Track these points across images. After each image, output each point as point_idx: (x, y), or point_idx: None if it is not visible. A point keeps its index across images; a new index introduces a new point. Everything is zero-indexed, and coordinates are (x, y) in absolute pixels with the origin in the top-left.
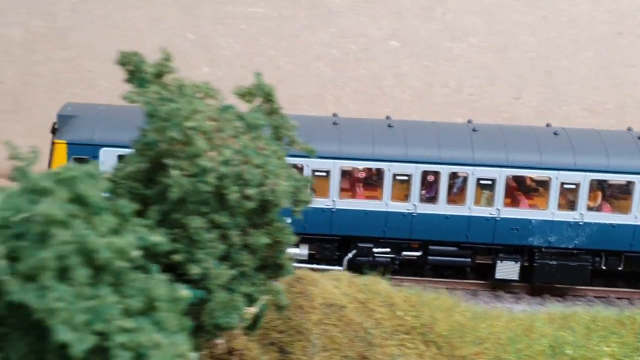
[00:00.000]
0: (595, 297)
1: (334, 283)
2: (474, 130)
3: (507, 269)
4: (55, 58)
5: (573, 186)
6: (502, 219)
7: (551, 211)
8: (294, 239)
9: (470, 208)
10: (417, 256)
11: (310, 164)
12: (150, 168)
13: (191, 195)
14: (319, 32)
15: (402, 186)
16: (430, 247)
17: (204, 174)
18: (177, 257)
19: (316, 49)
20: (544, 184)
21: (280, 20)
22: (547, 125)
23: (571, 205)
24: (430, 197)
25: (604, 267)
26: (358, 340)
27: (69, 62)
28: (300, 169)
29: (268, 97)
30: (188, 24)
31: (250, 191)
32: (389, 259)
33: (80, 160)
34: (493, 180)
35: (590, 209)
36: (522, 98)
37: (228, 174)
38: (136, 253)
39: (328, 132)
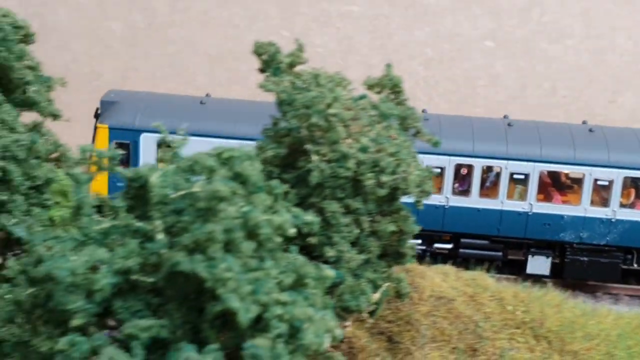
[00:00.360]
0: (627, 295)
1: (441, 276)
2: (509, 125)
3: (538, 264)
4: (154, 53)
5: (606, 183)
6: (534, 213)
7: (584, 207)
8: (418, 228)
9: (502, 202)
10: (449, 249)
11: None
12: (287, 154)
13: (329, 180)
14: (414, 31)
15: (436, 179)
16: (462, 239)
17: (344, 160)
18: (312, 240)
19: (410, 48)
20: (578, 180)
21: (376, 19)
22: (583, 122)
23: (604, 201)
24: (463, 190)
25: (635, 266)
26: (468, 333)
27: (166, 57)
28: None
29: (396, 89)
30: (284, 21)
31: (385, 178)
32: (420, 251)
33: (121, 145)
34: (526, 175)
35: (622, 206)
36: (616, 101)
37: (365, 161)
38: (292, 230)
39: None
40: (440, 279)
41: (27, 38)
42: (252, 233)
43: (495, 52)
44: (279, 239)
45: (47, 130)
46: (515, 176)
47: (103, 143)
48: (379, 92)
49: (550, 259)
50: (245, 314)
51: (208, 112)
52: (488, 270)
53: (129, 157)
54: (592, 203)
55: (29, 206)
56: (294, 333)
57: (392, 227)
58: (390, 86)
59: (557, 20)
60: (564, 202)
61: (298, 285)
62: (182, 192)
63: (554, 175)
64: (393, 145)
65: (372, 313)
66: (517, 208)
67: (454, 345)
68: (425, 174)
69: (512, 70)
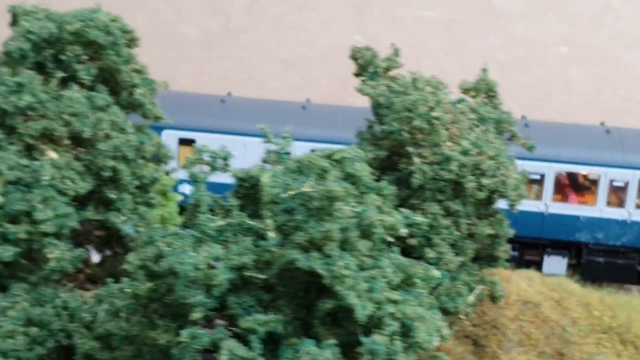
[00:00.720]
0: None
1: (526, 281)
2: (525, 125)
3: (555, 264)
4: (227, 57)
5: (622, 184)
6: (550, 214)
7: (599, 208)
8: (512, 232)
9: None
10: None
11: None
12: (387, 156)
13: (430, 182)
14: (487, 36)
15: None
16: None
17: (447, 163)
18: (412, 241)
19: (483, 53)
20: (593, 181)
21: (449, 24)
22: (601, 124)
23: (620, 202)
24: None
25: None
26: (554, 338)
27: (240, 62)
28: None
29: (490, 93)
30: (358, 26)
31: (486, 181)
32: None
33: None
34: (542, 175)
35: (639, 207)
36: None
37: (467, 164)
38: (404, 231)
39: None
40: (526, 284)
41: (132, 42)
42: (366, 232)
43: (569, 58)
44: (390, 239)
45: (149, 132)
46: (531, 176)
47: None
48: (474, 96)
49: (566, 259)
50: (362, 310)
51: (228, 110)
52: (571, 276)
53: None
54: (608, 204)
55: (135, 205)
56: (405, 331)
57: (488, 230)
58: (485, 90)
59: (632, 26)
60: (580, 202)
61: (406, 284)
62: (293, 192)
63: (570, 176)
64: (492, 149)
65: (466, 315)
66: (533, 208)
67: (540, 349)
68: (522, 177)
69: (586, 76)
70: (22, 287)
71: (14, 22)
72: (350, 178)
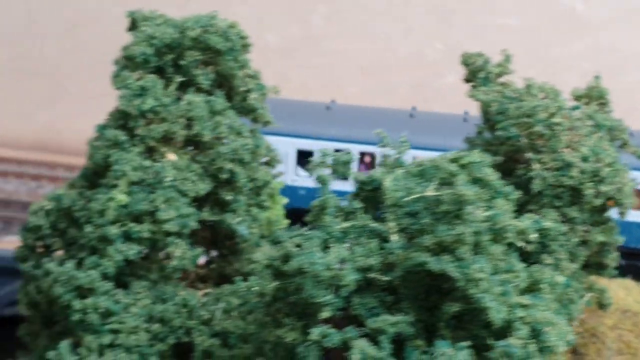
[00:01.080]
0: None
1: (624, 290)
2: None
3: None
4: (307, 65)
5: None
6: None
7: None
8: (622, 240)
9: None
10: None
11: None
12: (503, 162)
13: (548, 188)
14: (572, 45)
15: None
16: None
17: (568, 169)
18: (529, 247)
19: (567, 61)
20: None
21: (532, 31)
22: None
23: None
24: None
25: None
26: None
27: (319, 69)
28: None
29: (602, 100)
30: (439, 33)
31: (604, 188)
32: None
33: None
34: None
35: None
36: None
37: (586, 170)
38: (534, 236)
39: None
40: (624, 293)
41: (246, 48)
42: (497, 237)
43: None
44: (521, 243)
45: (260, 136)
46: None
47: None
48: (587, 103)
49: None
50: (497, 314)
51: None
52: None
53: None
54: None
55: (248, 207)
56: (535, 335)
57: (601, 238)
58: (597, 97)
59: None
60: None
61: (532, 289)
62: (416, 196)
63: None
64: (608, 156)
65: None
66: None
67: None
68: (634, 185)
69: None
70: (143, 285)
71: (133, 27)
72: (478, 182)
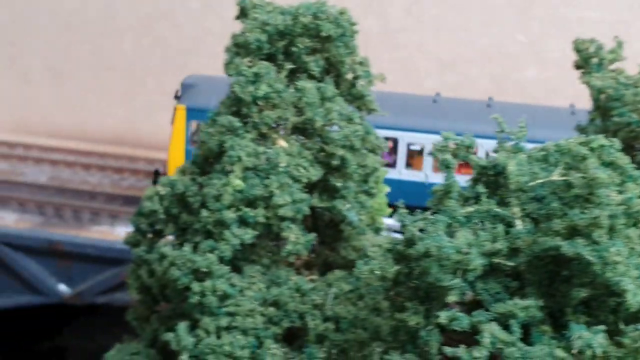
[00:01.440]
0: None
1: None
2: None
3: None
4: (384, 57)
5: None
6: None
7: None
8: None
9: None
10: None
11: None
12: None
13: None
14: None
15: None
16: None
17: None
18: None
19: None
20: None
21: (615, 25)
22: None
23: None
24: None
25: None
26: None
27: (397, 62)
28: None
29: None
30: (519, 25)
31: None
32: None
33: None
34: None
35: None
36: None
37: None
38: None
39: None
40: None
41: (354, 35)
42: (631, 220)
43: None
44: None
45: (368, 123)
46: None
47: (181, 121)
48: None
49: None
50: (634, 297)
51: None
52: None
53: None
54: None
55: (356, 193)
56: None
57: None
58: None
59: None
60: None
61: None
62: (542, 180)
63: None
64: None
65: None
66: None
67: None
68: None
69: None
70: (257, 269)
71: (242, 14)
72: (609, 166)
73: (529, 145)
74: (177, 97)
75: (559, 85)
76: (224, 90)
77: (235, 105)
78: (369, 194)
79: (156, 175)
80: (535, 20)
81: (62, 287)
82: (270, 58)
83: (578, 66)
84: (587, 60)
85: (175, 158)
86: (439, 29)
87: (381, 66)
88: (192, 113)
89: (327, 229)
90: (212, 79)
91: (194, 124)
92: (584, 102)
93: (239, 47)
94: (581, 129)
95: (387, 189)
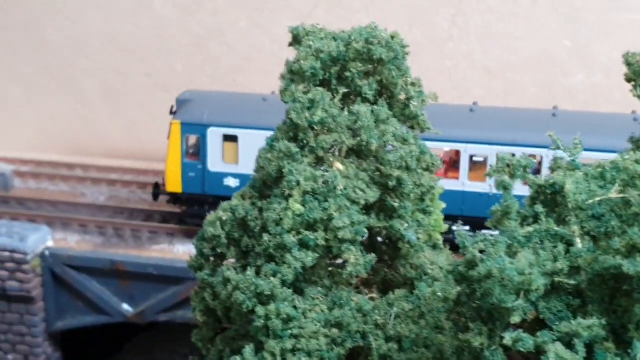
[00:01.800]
0: None
1: None
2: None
3: None
4: (431, 67)
5: None
6: None
7: None
8: None
9: None
10: None
11: None
12: None
13: None
14: None
15: None
16: None
17: None
18: None
19: None
20: None
21: None
22: None
23: None
24: None
25: None
26: None
27: (443, 72)
28: None
29: None
30: (566, 31)
31: None
32: None
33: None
34: None
35: None
36: None
37: None
38: None
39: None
40: None
41: (406, 56)
42: None
43: None
44: None
45: (422, 142)
46: None
47: (176, 136)
48: None
49: None
50: None
51: (270, 108)
52: None
53: (199, 149)
54: None
55: (413, 212)
56: None
57: None
58: None
59: None
60: None
61: None
62: (601, 198)
63: None
64: None
65: None
66: None
67: None
68: None
69: None
70: (319, 291)
71: (295, 41)
72: None
73: (596, 155)
74: (172, 113)
75: (607, 90)
76: (217, 104)
77: (292, 130)
78: (426, 212)
79: (156, 188)
80: (583, 25)
81: (125, 307)
82: (324, 83)
83: (629, 79)
84: (638, 73)
85: (172, 171)
86: (485, 37)
87: (428, 76)
88: (187, 127)
89: (385, 247)
90: (206, 94)
91: (190, 138)
92: (634, 106)
93: (293, 74)
94: (634, 141)
95: (443, 205)
